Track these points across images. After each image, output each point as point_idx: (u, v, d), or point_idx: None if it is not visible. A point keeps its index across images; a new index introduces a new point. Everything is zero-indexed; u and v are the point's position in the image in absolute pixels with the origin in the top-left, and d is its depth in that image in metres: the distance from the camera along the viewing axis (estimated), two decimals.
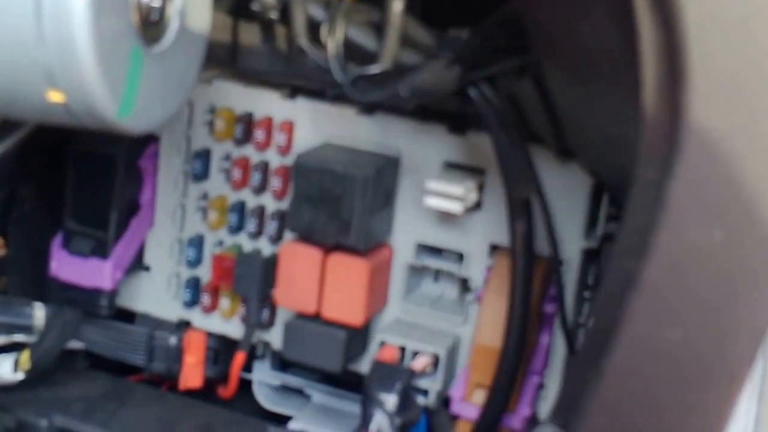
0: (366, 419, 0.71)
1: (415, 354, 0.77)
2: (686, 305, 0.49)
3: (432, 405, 0.78)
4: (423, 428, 0.80)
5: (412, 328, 0.79)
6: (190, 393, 0.89)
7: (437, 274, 0.81)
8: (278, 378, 0.88)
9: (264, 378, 0.89)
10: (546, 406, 0.75)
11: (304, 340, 0.78)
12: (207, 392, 0.90)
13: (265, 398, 0.89)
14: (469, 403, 0.75)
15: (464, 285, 0.79)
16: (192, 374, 0.87)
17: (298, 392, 0.90)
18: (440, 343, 0.77)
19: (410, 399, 0.74)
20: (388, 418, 0.72)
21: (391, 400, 0.72)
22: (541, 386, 0.76)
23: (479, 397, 0.74)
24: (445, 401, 0.79)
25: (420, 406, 0.75)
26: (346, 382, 0.86)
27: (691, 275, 0.49)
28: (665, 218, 0.48)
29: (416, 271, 0.80)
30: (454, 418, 0.77)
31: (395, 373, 0.74)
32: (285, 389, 0.90)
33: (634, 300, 0.49)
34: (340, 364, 0.77)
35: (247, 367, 0.89)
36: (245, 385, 0.90)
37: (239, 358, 0.83)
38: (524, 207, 0.67)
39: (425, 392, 0.78)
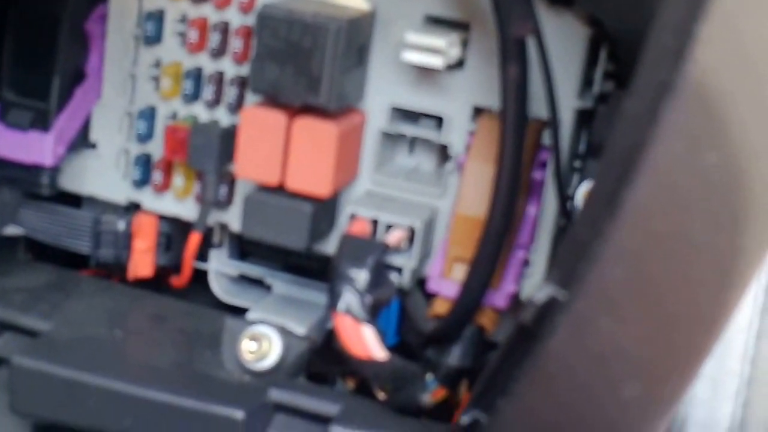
0: (334, 298, 0.63)
1: (389, 227, 0.69)
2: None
3: (406, 285, 0.70)
4: (395, 311, 0.71)
5: (386, 201, 0.71)
6: (141, 284, 0.79)
7: (413, 145, 0.72)
8: (237, 267, 0.79)
9: (221, 267, 0.80)
10: (531, 283, 0.67)
11: (266, 214, 0.69)
12: (159, 283, 0.81)
13: (222, 290, 0.80)
14: (448, 280, 0.67)
15: (443, 154, 0.71)
16: (142, 262, 0.78)
17: (259, 283, 0.81)
18: (416, 216, 0.69)
19: (383, 276, 0.65)
20: (358, 296, 0.63)
21: (362, 276, 0.64)
22: (526, 262, 0.67)
23: (459, 272, 0.66)
24: (420, 282, 0.71)
25: (394, 283, 0.66)
26: (311, 270, 0.77)
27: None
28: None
29: (390, 140, 0.72)
30: (431, 296, 0.68)
31: (367, 247, 0.65)
32: (244, 280, 0.81)
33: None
34: (306, 240, 0.68)
35: (203, 257, 0.79)
36: (200, 276, 0.81)
37: (193, 239, 0.74)
38: (519, 48, 0.58)
39: (399, 270, 0.69)
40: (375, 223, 0.69)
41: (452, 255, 0.67)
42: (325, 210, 0.70)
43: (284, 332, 0.73)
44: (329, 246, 0.72)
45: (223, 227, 0.77)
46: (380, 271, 0.64)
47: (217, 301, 0.81)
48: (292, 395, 0.68)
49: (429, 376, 0.66)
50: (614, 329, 0.47)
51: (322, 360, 0.78)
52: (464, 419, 0.58)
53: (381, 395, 0.68)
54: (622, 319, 0.47)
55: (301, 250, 0.69)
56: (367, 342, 0.63)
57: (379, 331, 0.64)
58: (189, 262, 0.75)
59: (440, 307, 0.67)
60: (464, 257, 0.65)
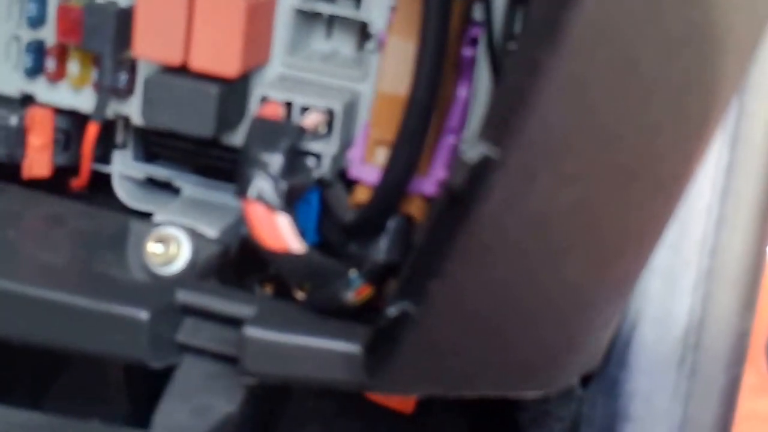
0: (243, 183, 0.56)
1: (305, 110, 0.61)
2: None
3: (326, 175, 0.62)
4: (315, 207, 0.64)
5: (302, 84, 0.63)
6: (38, 186, 0.71)
7: (331, 26, 0.65)
8: (142, 170, 0.72)
9: (125, 170, 0.72)
10: None
11: (169, 98, 0.62)
12: (57, 187, 0.73)
13: (127, 194, 0.73)
14: (370, 165, 0.60)
15: (363, 34, 0.64)
16: (38, 160, 0.70)
17: (167, 187, 0.73)
18: (335, 98, 0.62)
19: (299, 163, 0.58)
20: (271, 181, 0.56)
21: (275, 160, 0.57)
22: (457, 147, 0.61)
23: (381, 156, 0.59)
24: (341, 174, 0.64)
25: (311, 169, 0.59)
26: (223, 171, 0.70)
27: None
28: None
29: (305, 20, 0.64)
30: (353, 184, 0.61)
31: (280, 130, 0.58)
32: (151, 184, 0.74)
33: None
34: (213, 126, 0.61)
35: (106, 159, 0.72)
36: (104, 181, 0.73)
37: (91, 131, 0.67)
38: None
39: (318, 157, 0.62)
40: (289, 106, 0.62)
41: (374, 138, 0.60)
42: (233, 93, 0.63)
43: (194, 234, 0.66)
44: (240, 138, 0.64)
45: (127, 124, 0.70)
46: (296, 157, 0.57)
47: (123, 207, 0.73)
48: (201, 297, 0.62)
49: (352, 272, 0.59)
50: (556, 188, 0.40)
51: (237, 270, 0.70)
52: (390, 312, 0.51)
53: (299, 295, 0.61)
54: (565, 175, 0.40)
55: (208, 138, 0.62)
56: (281, 232, 0.56)
57: (297, 224, 0.57)
58: (87, 156, 0.68)
59: (362, 195, 0.60)
60: (387, 140, 0.59)
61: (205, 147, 0.68)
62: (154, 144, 0.72)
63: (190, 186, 0.72)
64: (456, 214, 0.43)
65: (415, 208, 0.60)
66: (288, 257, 0.58)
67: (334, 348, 0.57)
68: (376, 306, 0.61)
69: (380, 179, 0.58)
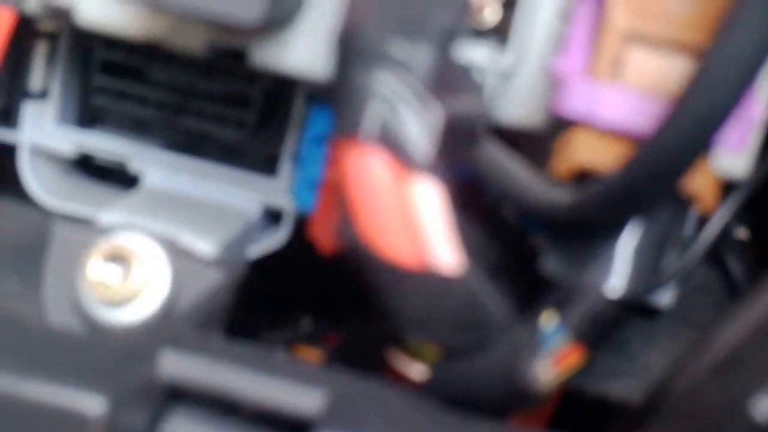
0: (349, 106, 0.22)
1: None
2: None
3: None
4: None
5: None
6: None
7: None
8: (75, 139, 0.39)
9: (43, 140, 0.39)
10: None
11: None
12: None
13: (41, 184, 0.39)
14: (607, 86, 0.27)
15: None
16: None
17: (113, 176, 0.41)
18: None
19: (459, 73, 0.24)
20: (411, 103, 0.22)
21: (419, 57, 0.25)
22: None
23: (637, 66, 0.26)
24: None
25: (481, 88, 0.26)
26: (223, 145, 0.37)
27: None
28: None
29: None
30: (561, 125, 0.28)
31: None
32: (84, 168, 0.39)
33: None
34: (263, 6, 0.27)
35: (7, 118, 0.38)
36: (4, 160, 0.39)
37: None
38: None
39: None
40: None
41: (621, 30, 0.26)
42: None
43: (175, 249, 0.32)
44: (278, 53, 0.31)
45: (53, 43, 0.36)
46: (453, 65, 0.24)
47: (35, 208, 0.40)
48: (212, 370, 0.27)
49: (549, 319, 0.26)
50: None
51: (244, 316, 0.37)
52: None
53: (415, 369, 0.28)
54: None
55: (251, 26, 0.28)
56: (424, 223, 0.22)
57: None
58: None
59: (586, 151, 0.27)
60: (651, 33, 0.25)
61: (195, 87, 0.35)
62: (101, 90, 0.38)
63: (157, 172, 0.37)
64: None
65: (704, 184, 0.27)
66: (427, 282, 0.24)
67: None
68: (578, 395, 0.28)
69: (668, 114, 0.24)
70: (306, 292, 0.41)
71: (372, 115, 0.25)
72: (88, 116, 0.43)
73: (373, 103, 0.25)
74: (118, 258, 0.35)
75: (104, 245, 0.35)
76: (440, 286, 0.27)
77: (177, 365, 0.30)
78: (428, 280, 0.26)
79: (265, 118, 0.41)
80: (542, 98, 0.30)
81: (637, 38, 0.28)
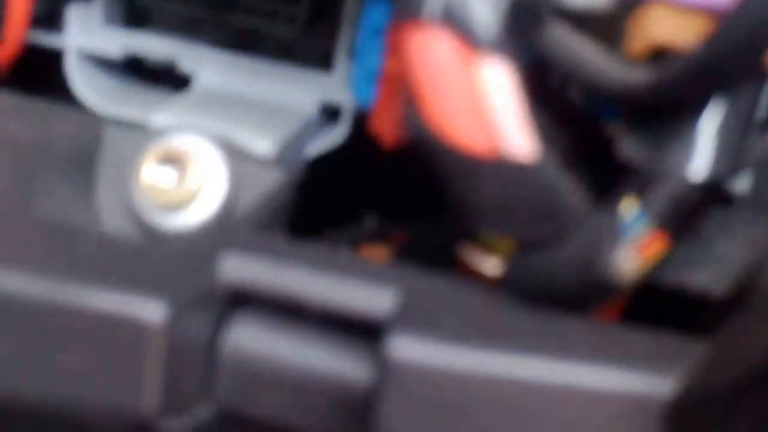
0: None
1: None
2: None
3: None
4: None
5: None
6: None
7: None
8: (123, 41, 0.39)
9: (89, 42, 0.38)
10: None
11: None
12: None
13: (91, 87, 0.39)
14: None
15: None
16: None
17: (165, 77, 0.41)
18: None
19: None
20: None
21: None
22: None
23: None
24: None
25: None
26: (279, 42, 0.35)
27: None
28: None
29: None
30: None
31: None
32: (135, 70, 0.38)
33: None
34: None
35: (51, 21, 0.37)
36: (51, 66, 0.40)
37: None
38: None
39: None
40: None
41: None
42: None
43: (231, 150, 0.30)
44: None
45: None
46: None
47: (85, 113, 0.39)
48: (276, 271, 0.26)
49: (629, 204, 0.24)
50: None
51: (306, 219, 0.36)
52: None
53: (490, 264, 0.26)
54: None
55: None
56: (495, 106, 0.20)
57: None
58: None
59: (663, 24, 0.25)
60: None
61: None
62: None
63: (209, 71, 0.36)
64: None
65: None
66: (499, 169, 0.22)
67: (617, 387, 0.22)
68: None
69: None
70: (369, 189, 0.40)
71: None
72: (135, 17, 0.41)
73: None
74: (172, 161, 0.34)
75: (157, 148, 0.34)
76: (514, 174, 0.25)
77: (238, 268, 0.29)
78: (501, 168, 0.25)
79: (317, 11, 0.40)
80: None
81: None
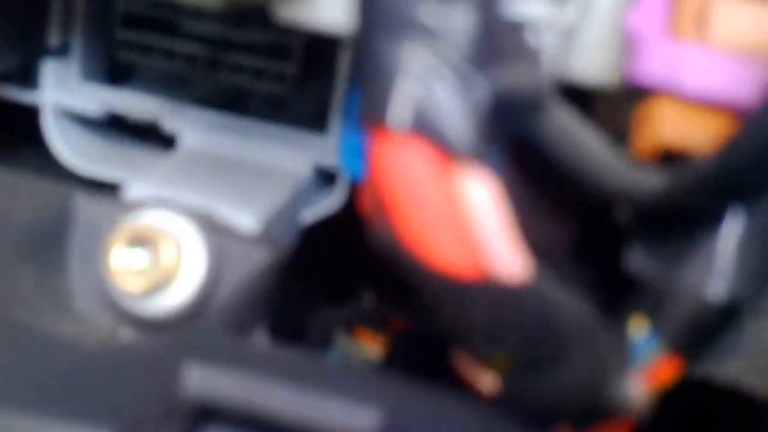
0: (374, 86, 0.16)
1: None
2: None
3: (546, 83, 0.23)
4: None
5: None
6: None
7: None
8: (100, 100, 0.35)
9: (67, 100, 0.35)
10: None
11: None
12: None
13: (69, 146, 0.35)
14: (694, 48, 0.21)
15: None
16: None
17: (148, 136, 0.37)
18: None
19: (510, 34, 0.19)
20: (449, 80, 0.17)
21: (456, 21, 0.18)
22: None
23: (730, 24, 0.21)
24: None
25: (538, 53, 0.20)
26: (265, 98, 0.32)
27: None
28: None
29: None
30: (636, 94, 0.22)
31: None
32: (116, 127, 0.36)
33: None
34: None
35: (28, 77, 0.34)
36: (27, 122, 0.36)
37: None
38: None
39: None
40: None
41: None
42: None
43: (212, 225, 0.28)
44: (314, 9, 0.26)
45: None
46: (500, 24, 0.18)
47: (63, 172, 0.37)
48: (247, 383, 0.23)
49: (639, 326, 0.20)
50: None
51: (295, 297, 0.33)
52: None
53: (484, 380, 0.23)
54: None
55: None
56: (478, 225, 0.17)
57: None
58: None
59: (673, 126, 0.21)
60: None
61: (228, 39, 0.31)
62: (126, 44, 0.34)
63: (194, 131, 0.33)
64: None
65: None
66: (487, 293, 0.19)
67: None
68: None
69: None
70: (367, 262, 0.36)
71: (403, 98, 0.20)
72: (116, 73, 0.38)
73: (403, 82, 0.20)
74: (144, 241, 0.31)
75: (128, 228, 0.31)
76: (505, 298, 0.22)
77: (205, 381, 0.26)
78: (489, 292, 0.22)
79: (309, 67, 0.36)
80: (615, 52, 0.25)
81: None
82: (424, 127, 0.20)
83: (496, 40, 0.21)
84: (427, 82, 0.20)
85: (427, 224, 0.21)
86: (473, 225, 0.21)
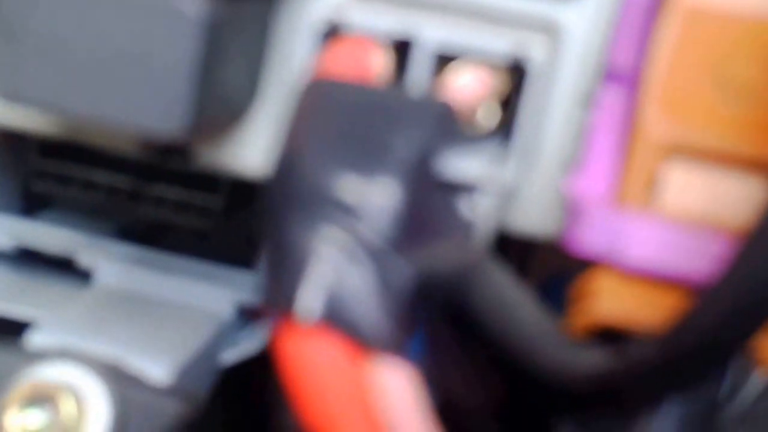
0: (282, 274, 0.14)
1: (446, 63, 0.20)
2: None
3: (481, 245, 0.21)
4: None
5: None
6: None
7: None
8: (15, 232, 0.32)
9: None
10: None
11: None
12: None
13: None
14: (640, 217, 0.19)
15: None
16: None
17: (61, 268, 0.36)
18: (523, 31, 0.21)
19: (444, 202, 0.17)
20: (367, 261, 0.15)
21: (380, 196, 0.17)
22: None
23: (680, 190, 0.19)
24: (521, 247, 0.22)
25: (469, 223, 0.18)
26: (187, 232, 0.29)
27: None
28: None
29: None
30: (578, 266, 0.20)
31: (389, 110, 0.17)
32: (27, 260, 0.34)
33: None
34: (187, 117, 0.20)
35: None
36: None
37: None
38: None
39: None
40: (401, 49, 0.20)
41: (660, 138, 0.19)
42: (239, 26, 0.21)
43: (119, 377, 0.28)
44: (243, 156, 0.23)
45: None
46: (430, 201, 0.16)
47: None
48: None
49: None
50: None
51: None
52: None
53: None
54: None
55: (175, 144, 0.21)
56: (391, 423, 0.15)
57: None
58: None
59: (612, 300, 0.19)
60: (701, 144, 0.17)
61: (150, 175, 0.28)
62: (42, 174, 0.32)
63: (111, 267, 0.32)
64: None
65: None
66: None
67: None
68: None
69: (739, 254, 0.17)
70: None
71: (313, 285, 0.18)
72: (30, 205, 0.36)
73: (315, 268, 0.18)
74: (42, 400, 0.28)
75: (27, 386, 0.28)
76: None
77: None
78: None
79: (235, 201, 0.34)
80: (557, 210, 0.23)
81: (678, 150, 0.20)
82: (335, 318, 0.18)
83: (423, 215, 0.19)
84: (342, 267, 0.18)
85: (335, 419, 0.18)
86: (387, 422, 0.18)
